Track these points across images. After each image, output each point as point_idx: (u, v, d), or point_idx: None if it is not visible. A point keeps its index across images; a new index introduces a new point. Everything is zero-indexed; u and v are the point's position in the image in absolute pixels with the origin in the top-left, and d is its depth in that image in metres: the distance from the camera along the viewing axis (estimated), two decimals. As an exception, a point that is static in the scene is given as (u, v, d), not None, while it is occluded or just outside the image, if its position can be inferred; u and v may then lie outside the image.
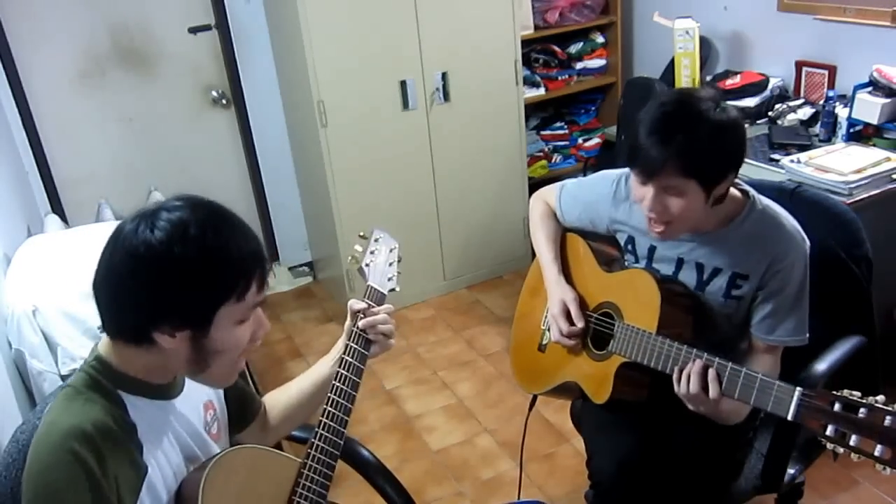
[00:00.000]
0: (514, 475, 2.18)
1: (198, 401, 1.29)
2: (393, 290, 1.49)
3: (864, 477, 2.28)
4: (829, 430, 1.20)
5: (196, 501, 1.11)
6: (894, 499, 2.20)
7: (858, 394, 1.20)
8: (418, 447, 2.67)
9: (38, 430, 1.07)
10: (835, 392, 1.21)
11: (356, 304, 1.40)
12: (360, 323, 1.38)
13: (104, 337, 1.14)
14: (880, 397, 1.17)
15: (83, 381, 1.11)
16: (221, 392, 1.37)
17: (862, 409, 1.17)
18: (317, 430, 1.31)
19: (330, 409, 1.32)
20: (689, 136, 1.38)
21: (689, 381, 1.41)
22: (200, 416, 1.28)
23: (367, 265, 1.50)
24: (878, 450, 1.15)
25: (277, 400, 1.48)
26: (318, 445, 1.29)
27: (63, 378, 1.85)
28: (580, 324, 1.68)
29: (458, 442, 2.68)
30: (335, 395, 1.34)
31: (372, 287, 1.45)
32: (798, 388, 1.27)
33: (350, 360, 1.36)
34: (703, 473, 1.63)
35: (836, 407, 1.20)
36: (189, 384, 1.24)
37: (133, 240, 1.04)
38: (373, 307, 1.40)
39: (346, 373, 1.35)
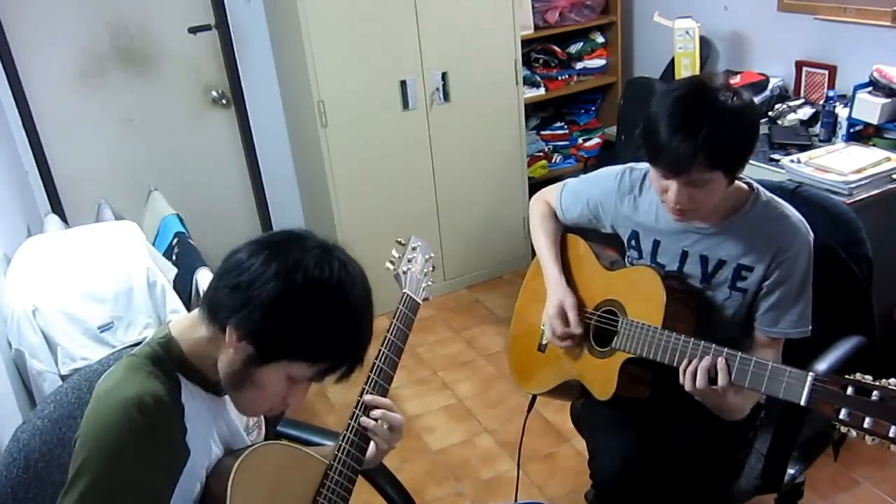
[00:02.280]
0: (514, 475, 2.18)
1: None
2: (426, 299, 1.51)
3: (864, 477, 2.28)
4: (843, 414, 1.20)
5: (226, 485, 1.13)
6: (894, 499, 2.20)
7: (870, 377, 1.20)
8: (418, 447, 2.66)
9: (96, 395, 1.08)
10: (847, 376, 1.22)
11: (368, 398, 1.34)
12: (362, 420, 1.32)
13: (181, 317, 1.17)
14: (893, 380, 1.18)
15: (148, 355, 1.12)
16: None
17: (875, 392, 1.18)
18: (345, 432, 1.31)
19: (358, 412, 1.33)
20: (715, 129, 1.35)
21: (697, 375, 1.41)
22: (243, 419, 1.29)
23: (403, 272, 1.52)
24: (892, 430, 1.15)
25: None
26: (345, 448, 1.30)
27: (63, 378, 1.86)
28: (577, 329, 1.68)
29: (458, 442, 2.68)
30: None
31: (407, 295, 1.48)
32: (810, 373, 1.27)
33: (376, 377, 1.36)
34: (704, 473, 1.63)
35: (849, 391, 1.21)
36: None
37: (304, 270, 1.05)
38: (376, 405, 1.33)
39: (382, 365, 1.36)
